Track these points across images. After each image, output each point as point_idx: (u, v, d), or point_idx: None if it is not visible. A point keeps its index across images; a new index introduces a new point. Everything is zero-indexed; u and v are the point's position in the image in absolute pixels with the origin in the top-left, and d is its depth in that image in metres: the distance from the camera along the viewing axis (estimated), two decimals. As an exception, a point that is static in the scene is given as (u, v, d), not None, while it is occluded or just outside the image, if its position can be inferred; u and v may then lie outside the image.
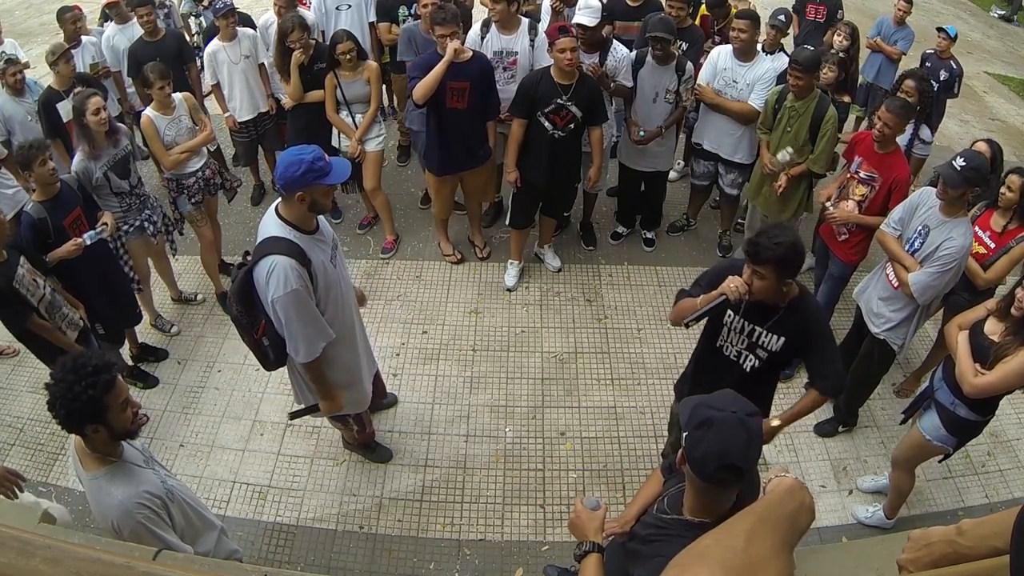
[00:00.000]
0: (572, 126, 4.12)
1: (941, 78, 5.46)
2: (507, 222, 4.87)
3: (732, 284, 2.40)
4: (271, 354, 2.78)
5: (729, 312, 2.61)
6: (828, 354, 2.60)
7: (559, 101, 4.02)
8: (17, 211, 3.50)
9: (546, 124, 4.12)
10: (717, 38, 5.00)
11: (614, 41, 4.39)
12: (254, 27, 5.09)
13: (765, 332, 2.57)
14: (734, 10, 5.23)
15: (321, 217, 2.72)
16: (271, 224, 2.54)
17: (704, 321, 2.68)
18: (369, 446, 3.65)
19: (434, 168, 4.46)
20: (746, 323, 2.60)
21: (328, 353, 2.74)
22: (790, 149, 4.02)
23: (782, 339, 2.55)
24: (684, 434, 1.59)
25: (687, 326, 2.57)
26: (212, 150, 4.76)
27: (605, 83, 4.28)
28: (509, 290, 4.80)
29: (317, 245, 2.60)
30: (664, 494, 1.89)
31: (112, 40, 5.12)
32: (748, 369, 2.69)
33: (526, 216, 4.67)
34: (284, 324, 2.55)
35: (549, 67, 4.04)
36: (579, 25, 4.10)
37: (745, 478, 1.60)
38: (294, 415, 3.08)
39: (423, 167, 5.00)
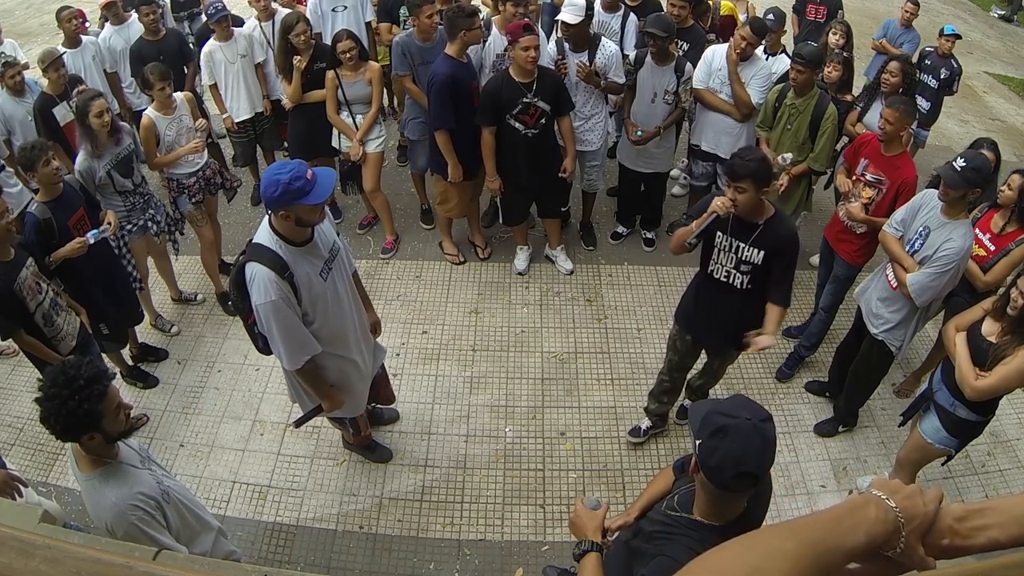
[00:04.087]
0: (543, 121, 4.11)
1: (941, 76, 5.47)
2: (500, 221, 4.88)
3: (719, 201, 2.77)
4: (259, 342, 2.82)
5: (719, 233, 2.94)
6: (787, 275, 2.93)
7: (525, 100, 4.00)
8: (20, 210, 3.49)
9: (517, 125, 4.09)
10: (711, 36, 5.00)
11: (602, 38, 4.38)
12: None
13: (748, 247, 2.89)
14: (710, 5, 5.28)
15: (324, 227, 2.67)
16: (263, 231, 2.54)
17: (700, 248, 3.06)
18: (369, 446, 3.65)
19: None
20: (733, 240, 2.92)
21: (316, 361, 2.75)
22: (790, 155, 4.03)
23: (762, 252, 2.87)
24: (697, 442, 1.58)
25: (689, 247, 2.93)
26: (208, 141, 4.73)
27: (595, 81, 4.27)
28: (520, 274, 4.85)
29: (306, 258, 2.57)
30: (675, 491, 1.89)
31: (109, 41, 5.12)
32: (739, 287, 3.00)
33: (518, 213, 4.68)
34: (266, 331, 2.58)
35: (507, 69, 4.02)
36: (562, 23, 4.09)
37: (760, 484, 1.60)
38: (299, 423, 3.10)
39: (416, 172, 5.00)
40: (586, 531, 1.85)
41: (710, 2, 5.33)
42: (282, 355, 2.63)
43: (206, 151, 4.36)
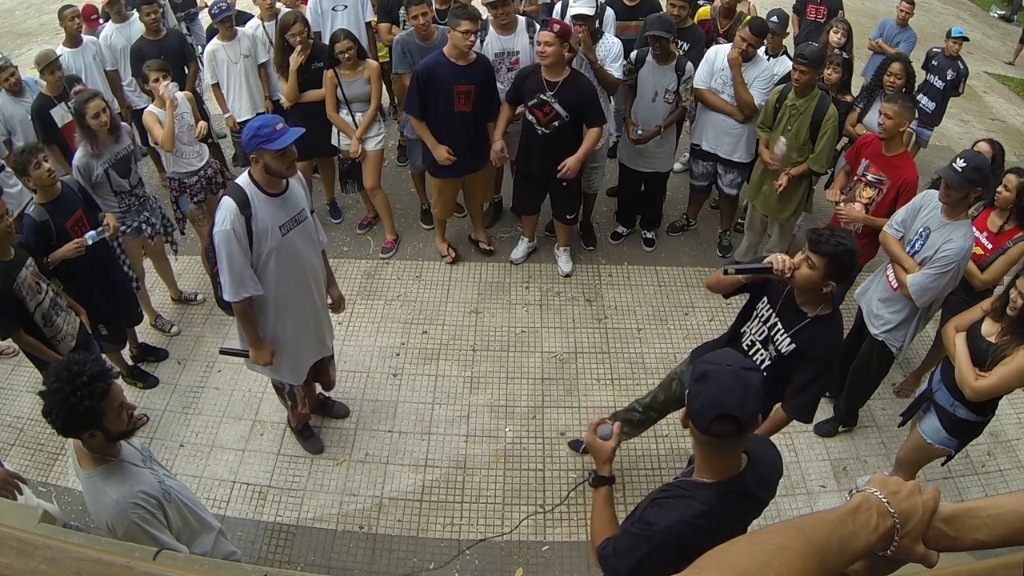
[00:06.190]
0: (556, 124, 4.10)
1: (948, 77, 5.48)
2: (511, 208, 4.95)
3: (780, 257, 2.47)
4: (220, 291, 2.93)
5: (764, 299, 2.70)
6: (813, 384, 2.60)
7: (542, 96, 4.03)
8: (20, 211, 3.49)
9: (530, 118, 4.13)
10: (722, 40, 4.99)
11: (605, 33, 4.39)
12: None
13: (783, 332, 2.62)
14: (740, 13, 5.23)
15: (298, 190, 2.93)
16: (243, 176, 2.82)
17: (744, 302, 2.82)
18: (303, 433, 3.68)
19: (441, 171, 4.44)
20: (773, 315, 2.66)
21: (257, 307, 2.95)
22: (783, 139, 4.02)
23: (793, 345, 2.59)
24: (687, 392, 1.66)
25: (726, 273, 2.61)
26: (208, 141, 4.74)
27: (592, 57, 4.18)
28: (513, 262, 4.90)
29: (272, 207, 2.80)
30: (682, 474, 1.98)
31: (110, 39, 5.12)
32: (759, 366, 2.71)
33: (525, 204, 4.70)
34: (216, 259, 2.79)
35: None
36: (579, 16, 4.08)
37: (745, 431, 1.63)
38: (224, 351, 3.28)
39: (416, 172, 5.01)
40: (598, 463, 1.93)
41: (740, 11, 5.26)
42: (225, 282, 2.80)
43: (207, 150, 4.37)
